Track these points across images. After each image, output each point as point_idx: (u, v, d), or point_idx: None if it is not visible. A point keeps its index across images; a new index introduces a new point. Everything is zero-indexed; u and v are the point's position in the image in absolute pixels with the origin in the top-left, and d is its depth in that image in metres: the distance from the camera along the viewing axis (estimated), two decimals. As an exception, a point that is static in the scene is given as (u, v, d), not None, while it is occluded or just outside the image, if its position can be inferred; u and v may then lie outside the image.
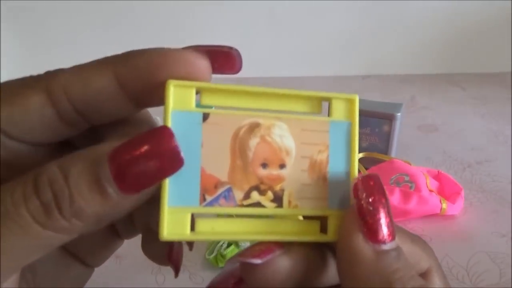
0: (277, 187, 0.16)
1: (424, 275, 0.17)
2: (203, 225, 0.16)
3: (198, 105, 0.16)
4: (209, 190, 0.15)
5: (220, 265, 0.43)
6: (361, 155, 0.57)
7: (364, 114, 0.58)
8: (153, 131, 0.14)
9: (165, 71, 0.15)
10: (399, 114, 0.57)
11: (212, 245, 0.45)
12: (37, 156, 0.16)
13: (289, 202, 0.16)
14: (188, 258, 0.46)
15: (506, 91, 0.93)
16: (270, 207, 0.16)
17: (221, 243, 0.44)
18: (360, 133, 0.59)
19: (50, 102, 0.15)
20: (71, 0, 0.97)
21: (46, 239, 0.14)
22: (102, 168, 0.14)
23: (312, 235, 0.16)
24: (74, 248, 0.20)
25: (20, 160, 0.16)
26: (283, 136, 0.16)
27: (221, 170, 0.15)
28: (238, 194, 0.16)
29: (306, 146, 0.16)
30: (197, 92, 0.16)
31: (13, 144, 0.16)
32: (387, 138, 0.58)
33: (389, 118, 0.57)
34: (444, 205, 0.50)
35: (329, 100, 0.17)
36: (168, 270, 0.44)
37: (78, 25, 1.00)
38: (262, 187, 0.16)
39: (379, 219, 0.15)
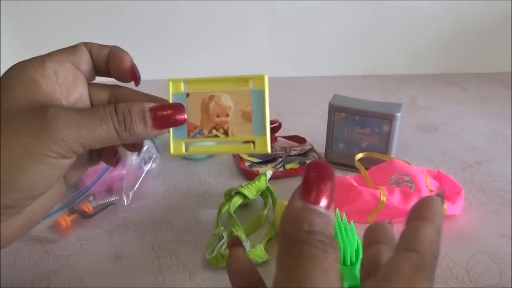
0: (225, 126, 0.30)
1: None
2: (191, 148, 0.31)
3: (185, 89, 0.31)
4: (191, 130, 0.31)
5: (220, 265, 0.43)
6: (361, 155, 0.57)
7: (364, 114, 0.58)
8: (176, 104, 0.30)
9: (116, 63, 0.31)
10: (399, 114, 0.57)
11: (212, 245, 0.45)
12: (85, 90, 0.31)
13: (232, 133, 0.30)
14: (188, 258, 0.46)
15: (506, 91, 0.94)
16: (222, 137, 0.30)
17: (221, 243, 0.44)
18: (360, 133, 0.60)
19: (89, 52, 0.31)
20: (71, 0, 0.97)
21: (111, 139, 0.28)
22: (147, 114, 0.28)
23: (246, 150, 0.30)
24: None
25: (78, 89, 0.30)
26: (227, 100, 0.30)
27: (196, 120, 0.31)
28: (205, 131, 0.30)
29: (239, 104, 0.30)
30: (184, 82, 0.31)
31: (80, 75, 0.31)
32: (387, 138, 0.58)
33: (389, 118, 0.57)
34: (444, 205, 0.50)
35: (251, 78, 0.30)
36: (168, 270, 0.44)
37: (78, 24, 1.00)
38: (217, 127, 0.30)
39: (312, 187, 0.20)
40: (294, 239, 0.19)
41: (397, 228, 0.50)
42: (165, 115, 0.29)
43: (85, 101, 0.31)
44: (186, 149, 0.31)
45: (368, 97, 0.64)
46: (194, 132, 0.30)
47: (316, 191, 0.20)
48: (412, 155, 0.65)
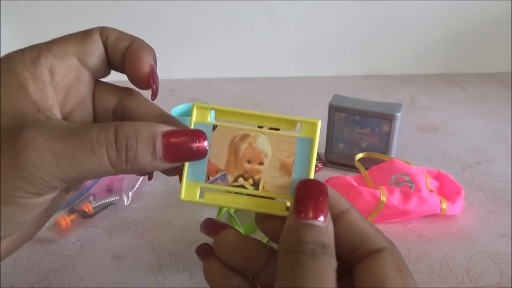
0: (256, 177, 0.24)
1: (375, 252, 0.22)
2: (207, 196, 0.24)
3: (213, 119, 0.24)
4: (212, 173, 0.24)
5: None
6: (361, 155, 0.57)
7: (364, 114, 0.58)
8: (196, 131, 0.23)
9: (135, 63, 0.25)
10: (399, 114, 0.57)
11: (212, 245, 0.45)
12: (86, 85, 0.25)
13: (263, 187, 0.23)
14: (188, 258, 0.46)
15: (506, 91, 0.93)
16: (250, 189, 0.24)
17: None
18: (360, 133, 0.60)
19: (102, 41, 0.24)
20: (71, 0, 0.97)
21: (104, 173, 0.21)
22: (158, 140, 0.21)
23: (278, 211, 0.23)
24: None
25: (78, 86, 0.24)
26: (263, 144, 0.23)
27: (220, 161, 0.24)
28: (230, 178, 0.24)
29: (279, 152, 0.23)
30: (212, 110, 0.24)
31: (82, 70, 0.24)
32: (387, 138, 0.58)
33: (389, 118, 0.57)
34: (444, 205, 0.50)
35: (300, 122, 0.24)
36: (168, 270, 0.44)
37: (77, 22, 1.00)
38: (246, 175, 0.24)
39: (301, 204, 0.21)
40: (288, 251, 0.21)
41: (396, 228, 0.50)
42: (181, 142, 0.22)
43: (86, 106, 0.25)
44: (201, 196, 0.24)
45: (368, 97, 0.64)
46: (215, 177, 0.24)
47: (304, 207, 0.21)
48: (412, 155, 0.65)
